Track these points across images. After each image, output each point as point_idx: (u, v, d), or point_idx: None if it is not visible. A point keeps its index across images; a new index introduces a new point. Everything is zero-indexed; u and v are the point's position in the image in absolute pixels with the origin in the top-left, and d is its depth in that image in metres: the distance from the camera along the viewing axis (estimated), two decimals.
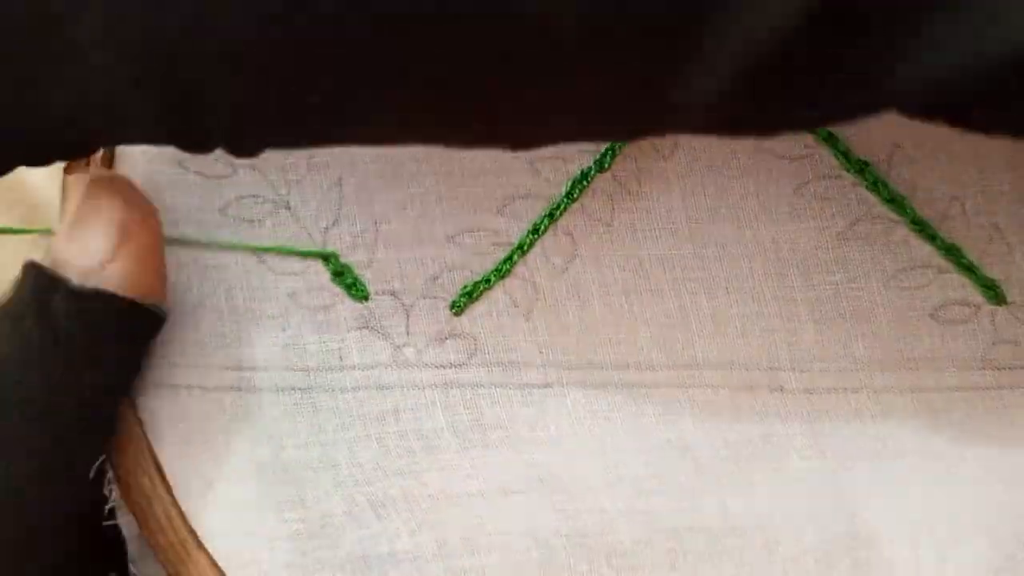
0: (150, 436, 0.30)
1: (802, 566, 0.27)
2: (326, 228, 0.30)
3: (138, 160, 0.30)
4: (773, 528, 0.28)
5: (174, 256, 0.30)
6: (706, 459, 0.28)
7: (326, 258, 0.30)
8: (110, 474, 0.30)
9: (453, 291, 0.29)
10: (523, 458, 0.29)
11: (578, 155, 0.29)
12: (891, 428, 0.27)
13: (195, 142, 0.24)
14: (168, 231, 0.30)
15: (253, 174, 0.30)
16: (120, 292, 0.27)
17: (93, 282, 0.27)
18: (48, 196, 0.38)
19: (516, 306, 0.29)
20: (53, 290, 0.27)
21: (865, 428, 0.27)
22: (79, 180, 0.29)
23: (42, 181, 0.38)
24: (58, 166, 0.30)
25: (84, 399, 0.27)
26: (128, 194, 0.28)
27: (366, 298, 0.29)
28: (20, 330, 0.27)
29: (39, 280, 0.27)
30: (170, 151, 0.30)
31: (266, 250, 0.30)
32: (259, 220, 0.30)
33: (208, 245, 0.30)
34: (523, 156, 0.29)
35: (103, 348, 0.27)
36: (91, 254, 0.27)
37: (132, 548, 0.31)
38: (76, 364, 0.27)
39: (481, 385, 0.29)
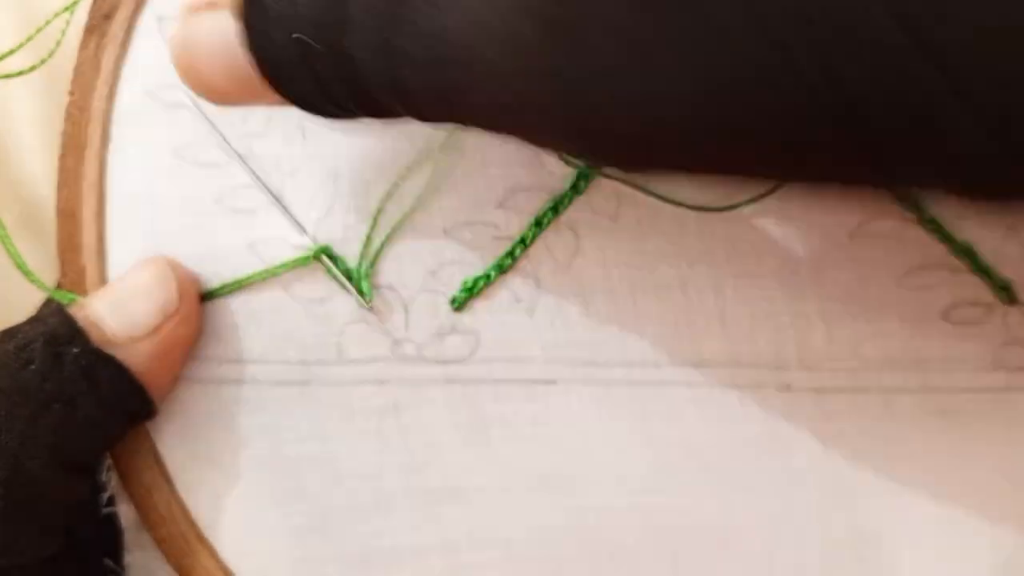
0: (149, 429, 0.30)
1: (805, 567, 0.27)
2: (319, 219, 0.29)
3: (131, 149, 0.29)
4: (777, 528, 0.27)
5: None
6: (711, 458, 0.28)
7: (322, 251, 0.29)
8: (108, 461, 0.30)
9: (453, 285, 0.29)
10: (525, 455, 0.29)
11: None
12: (898, 429, 0.27)
13: None
14: (169, 229, 0.29)
15: (247, 164, 0.29)
16: (134, 371, 0.27)
17: (115, 351, 0.27)
18: (44, 193, 0.37)
19: (519, 301, 0.28)
20: (71, 343, 0.26)
21: (872, 428, 0.27)
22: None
23: (39, 178, 0.37)
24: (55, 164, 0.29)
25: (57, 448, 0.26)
26: (184, 283, 0.28)
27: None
28: (22, 373, 0.26)
29: (61, 328, 0.27)
30: (166, 141, 0.29)
31: (275, 271, 0.29)
32: (252, 210, 0.29)
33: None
34: (527, 149, 0.28)
35: (95, 412, 0.27)
36: (127, 325, 0.27)
37: (127, 537, 0.31)
38: (71, 420, 0.26)
39: (483, 381, 0.29)
